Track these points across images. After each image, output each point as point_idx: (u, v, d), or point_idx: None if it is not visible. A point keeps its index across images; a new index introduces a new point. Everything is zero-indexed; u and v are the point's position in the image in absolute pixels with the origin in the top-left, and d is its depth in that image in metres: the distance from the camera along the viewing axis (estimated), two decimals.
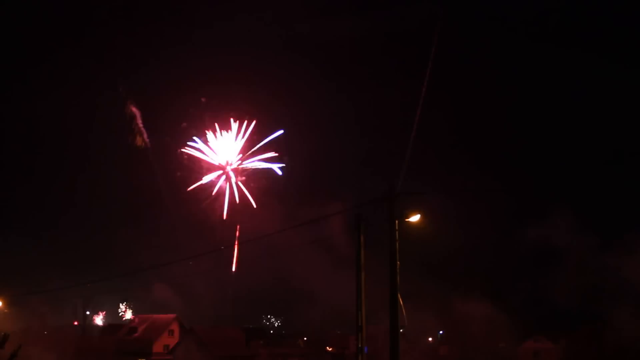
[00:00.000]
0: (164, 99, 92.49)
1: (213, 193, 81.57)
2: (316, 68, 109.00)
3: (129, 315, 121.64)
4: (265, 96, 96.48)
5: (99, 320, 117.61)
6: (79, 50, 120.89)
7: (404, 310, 18.35)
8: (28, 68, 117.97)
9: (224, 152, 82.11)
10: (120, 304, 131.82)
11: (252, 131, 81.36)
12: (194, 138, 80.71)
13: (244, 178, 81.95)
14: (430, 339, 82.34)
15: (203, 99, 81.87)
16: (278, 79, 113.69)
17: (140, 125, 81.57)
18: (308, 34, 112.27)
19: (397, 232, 18.33)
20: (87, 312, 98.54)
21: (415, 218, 18.82)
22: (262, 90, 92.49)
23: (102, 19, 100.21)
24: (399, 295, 18.15)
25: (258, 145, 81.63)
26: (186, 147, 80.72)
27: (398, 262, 18.19)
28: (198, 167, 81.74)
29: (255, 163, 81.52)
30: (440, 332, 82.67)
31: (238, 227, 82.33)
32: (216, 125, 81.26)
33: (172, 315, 74.99)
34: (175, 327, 73.28)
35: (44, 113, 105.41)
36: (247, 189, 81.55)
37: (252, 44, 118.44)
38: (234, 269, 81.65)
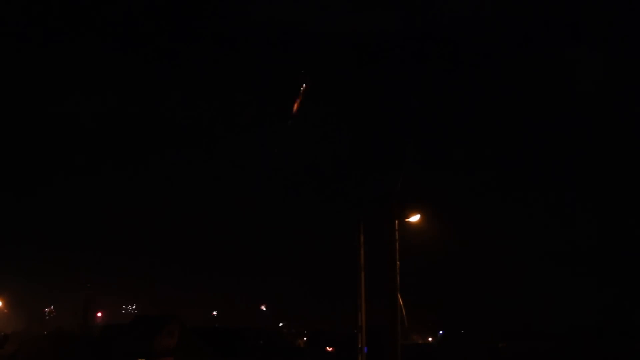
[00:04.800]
0: None
1: None
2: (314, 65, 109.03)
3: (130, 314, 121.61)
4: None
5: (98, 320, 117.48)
6: None
7: (404, 311, 18.33)
8: None
9: None
10: (126, 303, 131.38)
11: None
12: None
13: None
14: (430, 339, 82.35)
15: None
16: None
17: None
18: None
19: (397, 232, 18.31)
20: (87, 312, 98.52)
21: (415, 218, 18.81)
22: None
23: None
24: (399, 295, 18.13)
25: None
26: None
27: (398, 262, 18.17)
28: None
29: None
30: (441, 332, 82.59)
31: None
32: None
33: (172, 315, 74.86)
34: (175, 326, 73.13)
35: None
36: None
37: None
38: None
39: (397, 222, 18.40)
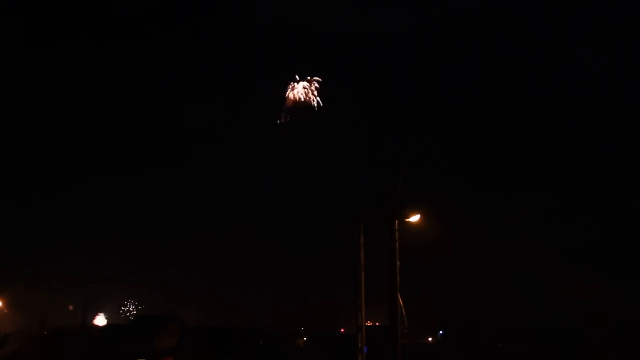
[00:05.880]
0: None
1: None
2: (319, 64, 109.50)
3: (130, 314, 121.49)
4: None
5: (99, 320, 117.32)
6: None
7: (404, 311, 18.33)
8: None
9: None
10: (125, 303, 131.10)
11: None
12: None
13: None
14: (430, 339, 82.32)
15: None
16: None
17: None
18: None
19: (397, 232, 18.30)
20: (87, 312, 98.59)
21: (415, 218, 18.80)
22: None
23: None
24: (399, 295, 18.13)
25: None
26: None
27: (398, 262, 18.16)
28: None
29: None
30: (440, 332, 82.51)
31: None
32: None
33: (172, 315, 74.89)
34: (175, 326, 73.16)
35: None
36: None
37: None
38: None
39: (397, 222, 18.39)
